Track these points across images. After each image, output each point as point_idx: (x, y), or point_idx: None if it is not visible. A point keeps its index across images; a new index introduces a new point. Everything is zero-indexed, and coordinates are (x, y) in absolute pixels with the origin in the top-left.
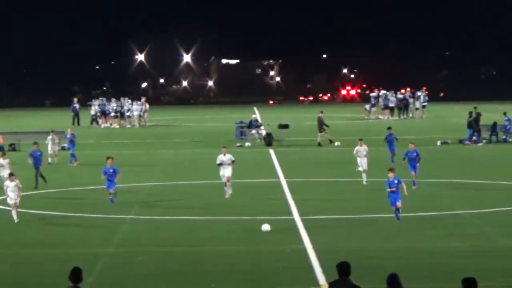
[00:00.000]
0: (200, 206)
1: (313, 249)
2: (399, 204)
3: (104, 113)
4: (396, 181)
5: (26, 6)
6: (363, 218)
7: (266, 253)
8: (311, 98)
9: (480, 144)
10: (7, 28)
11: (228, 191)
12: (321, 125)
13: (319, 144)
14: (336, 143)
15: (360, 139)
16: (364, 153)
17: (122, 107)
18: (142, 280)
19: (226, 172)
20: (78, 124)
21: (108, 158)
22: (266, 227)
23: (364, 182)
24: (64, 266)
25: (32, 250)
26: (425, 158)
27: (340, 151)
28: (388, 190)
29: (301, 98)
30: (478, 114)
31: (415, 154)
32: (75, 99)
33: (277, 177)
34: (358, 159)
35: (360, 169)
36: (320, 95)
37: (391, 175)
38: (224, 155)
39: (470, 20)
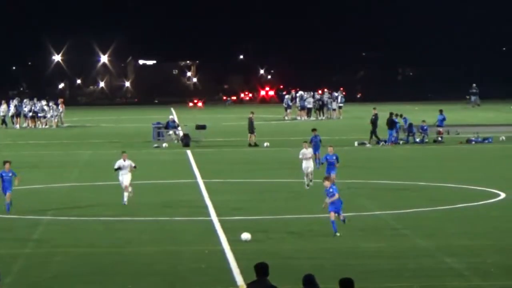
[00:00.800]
0: (118, 207)
1: (231, 250)
2: (335, 214)
3: (19, 114)
4: (331, 190)
5: None
6: (280, 219)
7: (184, 254)
8: (234, 98)
9: (368, 145)
10: None
11: (125, 198)
12: (252, 126)
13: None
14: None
15: (305, 141)
16: (310, 155)
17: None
18: (60, 280)
19: (125, 178)
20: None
21: (5, 162)
22: (246, 236)
23: (307, 187)
24: None
25: None
26: (343, 159)
27: (258, 152)
28: (327, 201)
29: (224, 97)
30: (376, 115)
31: (334, 157)
32: None
33: (195, 178)
34: (304, 162)
35: (306, 181)
36: (242, 95)
37: (327, 183)
38: (124, 160)
39: (387, 21)
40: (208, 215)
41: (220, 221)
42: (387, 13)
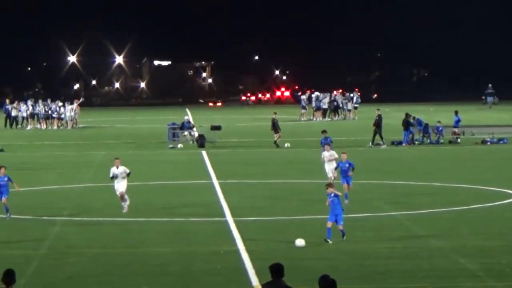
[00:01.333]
0: (132, 207)
1: (246, 251)
2: (340, 226)
3: (33, 115)
4: (332, 195)
5: None
6: (295, 219)
7: (199, 255)
8: (253, 98)
9: (384, 146)
10: None
11: (125, 206)
12: (275, 126)
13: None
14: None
15: (327, 144)
16: (331, 158)
17: (50, 108)
18: (75, 281)
19: (120, 186)
20: (11, 126)
21: (0, 167)
22: (300, 242)
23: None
24: None
25: None
26: (358, 160)
27: (273, 153)
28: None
29: (244, 98)
30: (380, 116)
31: (347, 165)
32: (7, 100)
33: (210, 178)
34: (326, 165)
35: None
36: (260, 95)
37: (330, 190)
38: (117, 167)
39: (402, 21)
40: (223, 215)
41: (235, 221)
42: (402, 13)
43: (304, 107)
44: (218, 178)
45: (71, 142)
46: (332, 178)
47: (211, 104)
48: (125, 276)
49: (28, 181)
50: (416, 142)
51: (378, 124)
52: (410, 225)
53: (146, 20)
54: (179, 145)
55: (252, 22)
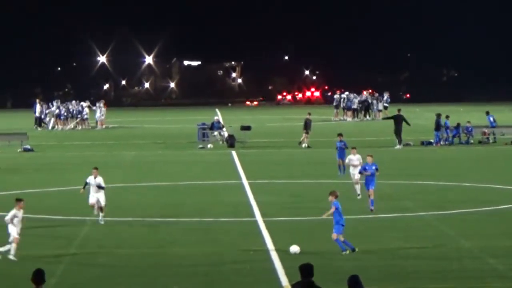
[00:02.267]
0: (161, 207)
1: (276, 251)
2: (335, 235)
3: (58, 116)
4: (332, 205)
5: None
6: (324, 219)
7: (228, 255)
8: (289, 97)
9: (398, 147)
10: None
11: (101, 216)
12: (307, 126)
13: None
14: (304, 145)
15: (353, 147)
16: (357, 162)
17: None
18: (104, 281)
19: (95, 198)
20: (39, 126)
21: None
22: (295, 248)
23: (359, 196)
24: (26, 268)
25: None
26: (387, 160)
27: (303, 153)
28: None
29: (280, 97)
30: (399, 116)
31: (374, 167)
32: (37, 100)
33: (239, 178)
34: (351, 169)
35: (357, 189)
36: (291, 96)
37: (331, 198)
38: (95, 177)
39: (431, 21)
40: (253, 216)
41: (265, 221)
42: (432, 13)
43: (336, 107)
44: (247, 178)
45: (100, 142)
46: (357, 181)
47: (248, 103)
48: (154, 276)
49: (58, 181)
50: (446, 143)
51: (397, 123)
52: (439, 226)
53: (176, 20)
54: (209, 145)
55: (282, 23)
